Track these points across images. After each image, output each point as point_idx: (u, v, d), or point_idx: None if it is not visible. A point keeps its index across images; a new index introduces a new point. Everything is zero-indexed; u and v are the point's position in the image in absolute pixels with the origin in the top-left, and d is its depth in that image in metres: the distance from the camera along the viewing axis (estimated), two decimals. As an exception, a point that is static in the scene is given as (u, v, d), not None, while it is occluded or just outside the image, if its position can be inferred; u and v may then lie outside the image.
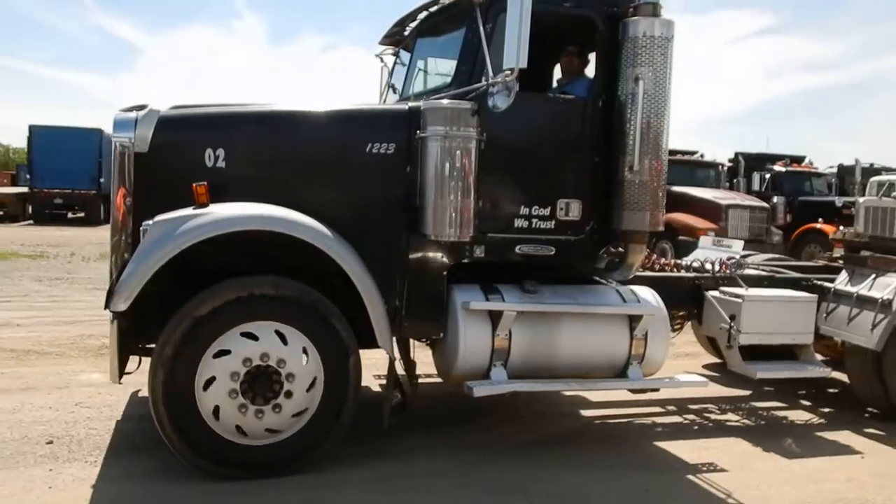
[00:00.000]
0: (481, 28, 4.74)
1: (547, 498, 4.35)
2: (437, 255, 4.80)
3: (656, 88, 4.83)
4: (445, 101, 4.64)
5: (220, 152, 4.59)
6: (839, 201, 18.30)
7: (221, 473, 4.29)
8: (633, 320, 5.11)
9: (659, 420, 6.04)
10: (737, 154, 20.15)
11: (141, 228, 4.28)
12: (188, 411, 4.21)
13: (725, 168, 18.74)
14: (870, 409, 6.42)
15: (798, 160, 20.93)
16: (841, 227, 18.00)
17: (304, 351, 4.37)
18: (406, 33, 6.15)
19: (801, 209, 18.61)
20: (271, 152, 4.71)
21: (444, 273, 4.85)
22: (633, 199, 4.92)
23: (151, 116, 4.55)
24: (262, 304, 4.30)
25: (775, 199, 18.17)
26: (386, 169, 4.76)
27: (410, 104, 4.87)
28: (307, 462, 4.46)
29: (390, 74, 6.42)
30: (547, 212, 5.02)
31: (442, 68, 5.63)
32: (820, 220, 17.55)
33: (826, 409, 6.59)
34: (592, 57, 5.46)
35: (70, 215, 28.49)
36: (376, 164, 4.74)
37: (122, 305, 4.09)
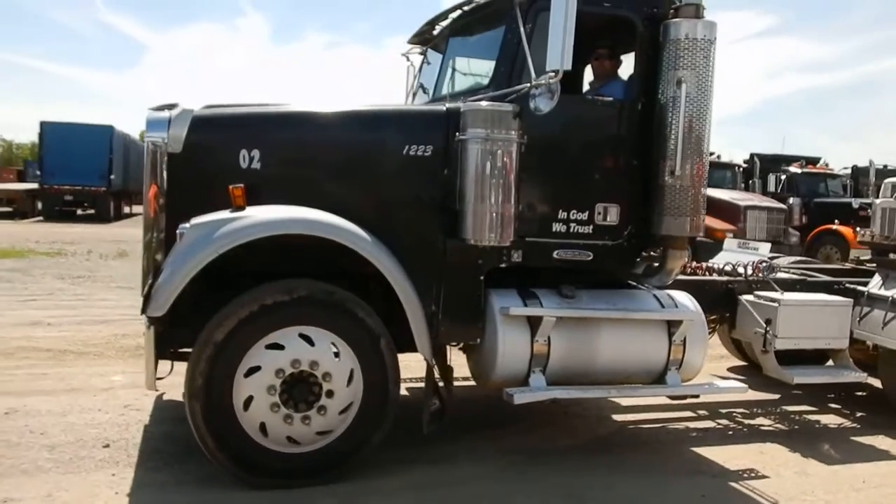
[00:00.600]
0: (522, 28, 4.66)
1: (606, 501, 4.33)
2: (475, 260, 4.71)
3: (699, 91, 4.74)
4: (486, 103, 4.57)
5: (256, 153, 4.54)
6: (856, 203, 18.22)
7: (287, 487, 4.24)
8: (672, 325, 5.04)
9: (692, 425, 5.98)
10: (752, 155, 20.08)
11: (177, 231, 4.22)
12: (235, 435, 4.16)
13: (741, 169, 18.66)
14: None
15: (813, 161, 20.86)
16: (858, 229, 17.96)
17: (334, 346, 4.30)
18: (435, 33, 6.07)
19: (816, 210, 18.55)
20: (308, 154, 4.66)
21: (482, 277, 4.78)
22: (674, 203, 4.84)
23: (185, 116, 4.49)
24: (278, 313, 4.21)
25: (791, 200, 18.13)
26: (423, 171, 4.69)
27: (448, 105, 4.80)
28: (367, 454, 4.43)
29: (418, 74, 6.35)
30: (585, 216, 4.95)
31: (476, 68, 5.56)
32: (836, 221, 17.49)
33: (858, 414, 6.51)
34: (624, 58, 5.41)
35: (79, 212, 28.54)
36: (413, 167, 4.68)
37: (159, 311, 4.05)
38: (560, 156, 4.87)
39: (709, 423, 6.05)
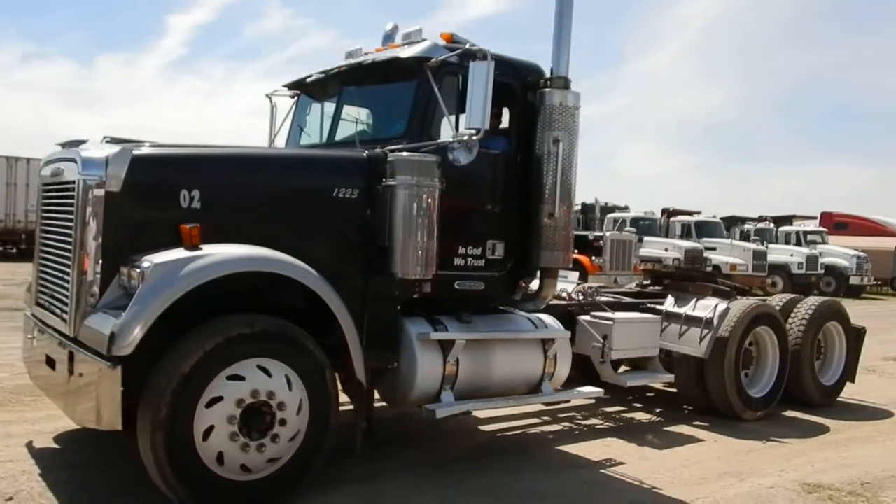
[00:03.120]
0: (436, 88, 5.34)
1: (521, 496, 5.07)
2: (395, 292, 5.24)
3: (570, 148, 5.78)
4: (413, 154, 5.14)
5: (196, 193, 4.66)
6: (591, 235, 21.17)
7: None
8: (546, 343, 5.97)
9: (545, 429, 6.98)
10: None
11: (134, 269, 4.23)
12: (194, 466, 4.23)
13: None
14: (686, 406, 7.97)
15: (554, 198, 23.76)
16: (593, 257, 20.81)
17: (287, 378, 4.56)
18: (309, 80, 6.48)
19: (560, 241, 21.22)
20: (248, 194, 4.88)
21: (399, 307, 5.31)
22: (551, 240, 5.80)
23: (125, 154, 4.50)
24: (241, 345, 4.40)
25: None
26: (350, 212, 5.16)
27: (368, 152, 5.30)
28: (309, 478, 4.70)
29: (294, 116, 6.70)
30: (479, 251, 5.73)
31: (364, 116, 6.11)
32: (576, 251, 20.26)
33: (657, 410, 8.01)
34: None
35: None
36: (342, 208, 5.13)
37: (126, 350, 4.06)
38: (460, 200, 5.57)
39: (556, 427, 7.09)
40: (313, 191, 5.09)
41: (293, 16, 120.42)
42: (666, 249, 23.02)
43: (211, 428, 4.28)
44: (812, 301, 8.53)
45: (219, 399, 4.31)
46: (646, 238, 22.91)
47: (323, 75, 6.21)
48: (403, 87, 5.58)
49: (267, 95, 7.00)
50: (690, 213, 27.54)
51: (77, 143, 4.92)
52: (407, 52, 5.56)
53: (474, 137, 5.07)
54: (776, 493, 5.45)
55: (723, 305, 7.42)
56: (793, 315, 8.33)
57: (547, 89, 5.80)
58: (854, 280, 28.35)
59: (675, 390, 8.62)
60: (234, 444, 4.35)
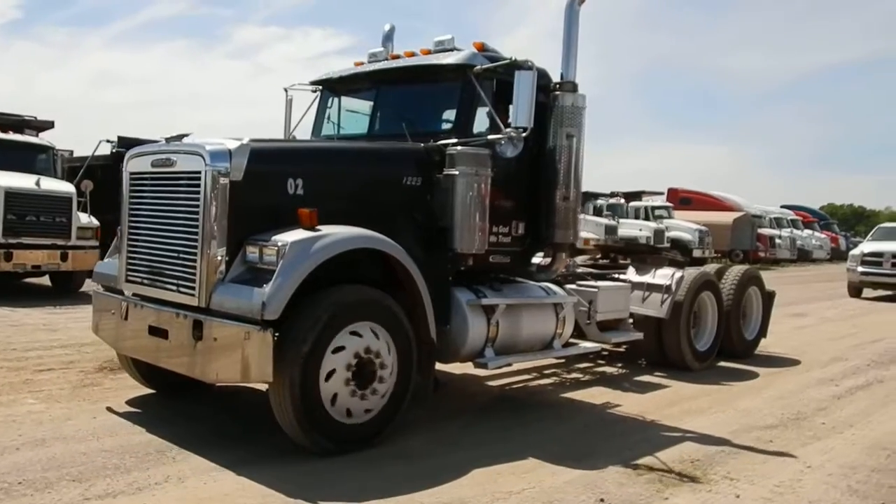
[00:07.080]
0: (481, 91, 6.28)
1: (546, 435, 6.12)
2: (448, 265, 6.18)
3: (579, 142, 6.88)
4: (469, 147, 6.06)
5: (300, 181, 5.41)
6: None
7: (336, 450, 5.15)
8: (557, 307, 7.09)
9: (541, 382, 8.14)
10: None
11: (275, 248, 4.94)
12: (315, 400, 5.00)
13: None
14: (641, 360, 9.34)
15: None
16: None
17: (387, 344, 5.41)
18: (335, 77, 7.25)
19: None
20: (339, 182, 5.65)
21: (450, 278, 6.25)
22: (564, 220, 6.89)
23: (244, 149, 5.18)
24: (363, 308, 5.26)
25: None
26: (415, 196, 6.04)
27: (424, 145, 6.17)
28: (389, 432, 5.51)
29: (323, 109, 7.41)
30: (507, 230, 6.74)
31: (405, 113, 6.92)
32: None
33: (618, 364, 9.34)
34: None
35: None
36: (409, 193, 6.01)
37: (275, 314, 4.80)
38: (496, 186, 6.53)
39: (547, 381, 8.26)
40: (389, 179, 5.93)
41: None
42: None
43: (332, 371, 5.07)
44: (737, 269, 10.18)
45: (342, 348, 5.11)
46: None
47: (355, 74, 6.99)
48: (449, 89, 6.48)
49: (285, 89, 7.66)
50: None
51: (179, 138, 5.50)
52: (451, 59, 6.45)
53: (523, 135, 6.07)
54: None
55: (679, 274, 8.83)
56: (723, 281, 9.90)
57: (559, 92, 6.85)
58: (696, 252, 29.37)
59: (622, 350, 10.05)
60: (346, 388, 5.16)
